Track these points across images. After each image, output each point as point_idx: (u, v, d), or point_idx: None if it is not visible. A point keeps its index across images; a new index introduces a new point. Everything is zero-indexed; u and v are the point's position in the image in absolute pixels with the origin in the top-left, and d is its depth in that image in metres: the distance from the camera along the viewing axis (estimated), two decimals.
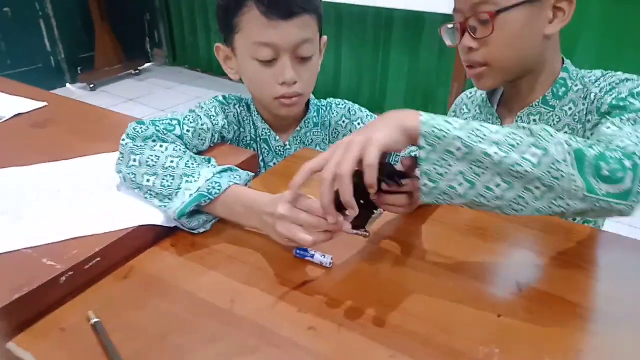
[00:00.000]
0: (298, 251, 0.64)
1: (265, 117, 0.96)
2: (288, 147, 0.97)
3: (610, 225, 0.84)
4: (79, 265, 0.59)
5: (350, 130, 0.99)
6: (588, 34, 2.17)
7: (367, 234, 0.62)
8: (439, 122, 0.52)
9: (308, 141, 0.99)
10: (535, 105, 0.82)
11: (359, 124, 0.98)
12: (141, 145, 0.73)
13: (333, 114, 0.99)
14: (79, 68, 3.57)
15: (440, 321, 0.55)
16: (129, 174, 0.73)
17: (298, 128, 0.96)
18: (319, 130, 0.99)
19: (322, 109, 0.99)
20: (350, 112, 0.99)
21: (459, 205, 0.55)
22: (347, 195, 0.53)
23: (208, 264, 0.64)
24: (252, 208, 0.65)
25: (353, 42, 2.96)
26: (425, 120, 0.53)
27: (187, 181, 0.69)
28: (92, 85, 3.49)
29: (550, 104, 0.81)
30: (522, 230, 0.71)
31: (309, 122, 0.97)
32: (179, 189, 0.69)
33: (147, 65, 4.01)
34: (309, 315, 0.56)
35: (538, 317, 0.55)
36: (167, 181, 0.70)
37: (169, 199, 0.69)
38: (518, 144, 0.52)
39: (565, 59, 0.82)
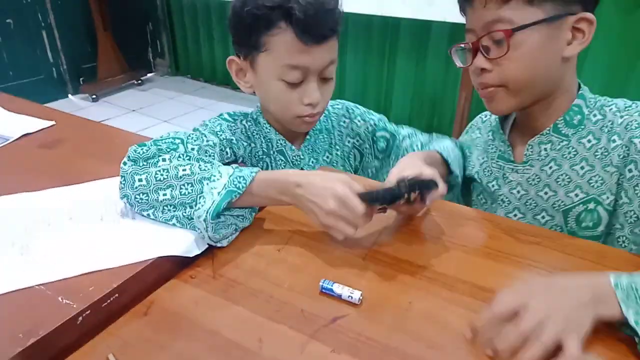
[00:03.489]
0: (324, 288, 0.61)
1: (277, 129, 0.94)
2: (302, 156, 0.95)
3: None
4: (96, 303, 0.56)
5: (352, 129, 1.00)
6: (596, 46, 2.15)
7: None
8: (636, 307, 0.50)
9: (318, 148, 0.97)
10: (546, 133, 0.77)
11: (358, 121, 1.00)
12: (144, 165, 0.71)
13: (332, 117, 1.00)
14: (81, 79, 3.55)
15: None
16: (137, 196, 0.70)
17: (308, 137, 0.95)
18: (325, 136, 0.98)
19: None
20: (349, 112, 1.00)
21: None
22: None
23: (231, 298, 0.61)
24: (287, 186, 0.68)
25: (358, 51, 2.94)
26: (629, 311, 0.50)
27: (208, 183, 0.67)
28: (94, 96, 3.47)
29: (563, 132, 0.76)
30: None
31: (316, 130, 0.97)
32: (202, 192, 0.67)
33: (149, 75, 4.00)
34: (344, 356, 0.52)
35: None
36: (187, 189, 0.68)
37: (195, 203, 0.67)
38: None
39: (582, 85, 0.77)
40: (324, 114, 0.98)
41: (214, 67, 3.76)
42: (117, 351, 0.52)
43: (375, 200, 0.64)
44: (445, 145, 0.86)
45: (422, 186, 0.66)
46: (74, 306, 0.54)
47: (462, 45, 0.74)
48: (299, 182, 0.67)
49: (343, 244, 0.69)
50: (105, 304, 0.56)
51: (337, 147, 1.00)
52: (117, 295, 0.58)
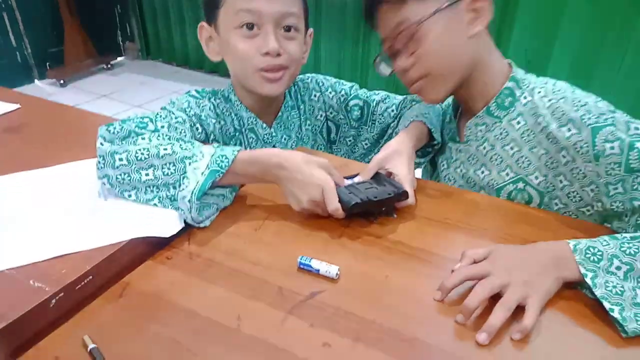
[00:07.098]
0: (302, 264, 0.61)
1: (249, 105, 0.93)
2: (274, 133, 0.95)
3: None
4: (69, 286, 0.54)
5: (324, 102, 1.00)
6: (566, 25, 2.18)
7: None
8: (601, 271, 0.54)
9: (290, 125, 0.97)
10: (480, 115, 0.80)
11: (330, 92, 1.00)
12: (122, 144, 0.70)
13: (303, 91, 1.00)
14: (47, 63, 3.42)
15: (464, 333, 0.52)
16: (118, 176, 0.68)
17: (280, 113, 0.96)
18: (296, 112, 0.98)
19: (292, 88, 0.99)
20: (319, 84, 1.00)
21: None
22: None
23: (208, 278, 0.60)
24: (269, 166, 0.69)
25: (332, 34, 2.91)
26: (587, 273, 0.54)
27: (190, 163, 0.68)
28: (62, 82, 3.36)
29: (495, 114, 0.79)
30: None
31: (287, 106, 0.97)
32: (185, 172, 0.67)
33: (119, 59, 3.89)
34: (322, 330, 0.53)
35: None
36: (169, 169, 0.68)
37: (178, 184, 0.67)
38: None
39: (514, 67, 0.79)
40: (294, 89, 0.98)
41: (186, 51, 3.67)
42: (92, 334, 0.51)
43: (348, 210, 0.67)
44: (427, 110, 0.87)
45: (393, 200, 0.70)
46: (46, 289, 0.53)
47: (381, 56, 0.80)
48: (281, 163, 0.68)
49: (320, 223, 0.70)
50: (79, 286, 0.55)
51: (309, 122, 1.00)
52: (91, 277, 0.57)
